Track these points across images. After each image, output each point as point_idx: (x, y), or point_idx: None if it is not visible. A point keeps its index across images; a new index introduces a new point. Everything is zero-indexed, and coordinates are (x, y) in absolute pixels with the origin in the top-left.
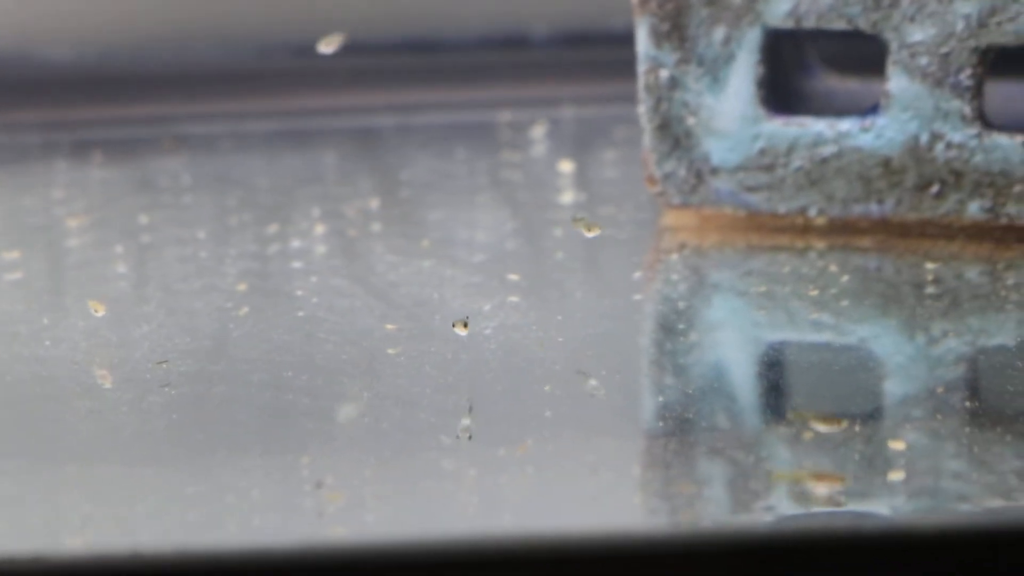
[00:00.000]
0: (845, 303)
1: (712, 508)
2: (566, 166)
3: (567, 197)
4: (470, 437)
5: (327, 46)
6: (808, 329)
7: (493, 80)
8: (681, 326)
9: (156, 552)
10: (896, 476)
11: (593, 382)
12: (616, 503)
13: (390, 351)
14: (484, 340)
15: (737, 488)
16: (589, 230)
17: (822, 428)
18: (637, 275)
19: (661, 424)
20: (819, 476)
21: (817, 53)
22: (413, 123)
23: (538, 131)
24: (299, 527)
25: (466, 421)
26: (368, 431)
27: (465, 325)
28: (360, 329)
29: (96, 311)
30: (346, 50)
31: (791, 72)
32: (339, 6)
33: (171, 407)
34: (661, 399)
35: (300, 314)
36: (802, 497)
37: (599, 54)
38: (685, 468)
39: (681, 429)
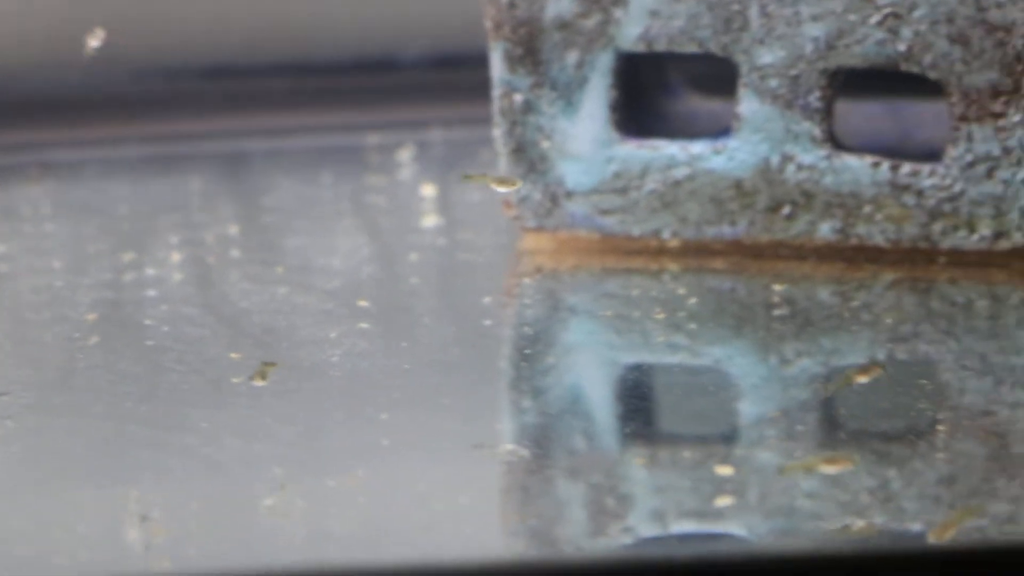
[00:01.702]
0: (699, 325)
1: (564, 532)
2: (429, 190)
3: (428, 221)
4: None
5: (94, 40)
6: (662, 351)
7: (362, 103)
8: (528, 351)
9: None
10: (751, 495)
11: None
12: (445, 532)
13: (234, 380)
14: (329, 368)
15: (586, 512)
16: (501, 184)
17: (830, 470)
18: (488, 300)
19: (506, 450)
20: (830, 460)
21: (681, 74)
22: (282, 147)
23: (405, 154)
24: (124, 562)
25: (269, 501)
26: (203, 462)
27: (264, 376)
28: (206, 358)
29: None
30: (216, 74)
31: (653, 94)
32: (208, 29)
33: (9, 440)
34: (503, 425)
35: (149, 343)
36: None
37: (468, 76)
38: (527, 494)
39: (528, 454)
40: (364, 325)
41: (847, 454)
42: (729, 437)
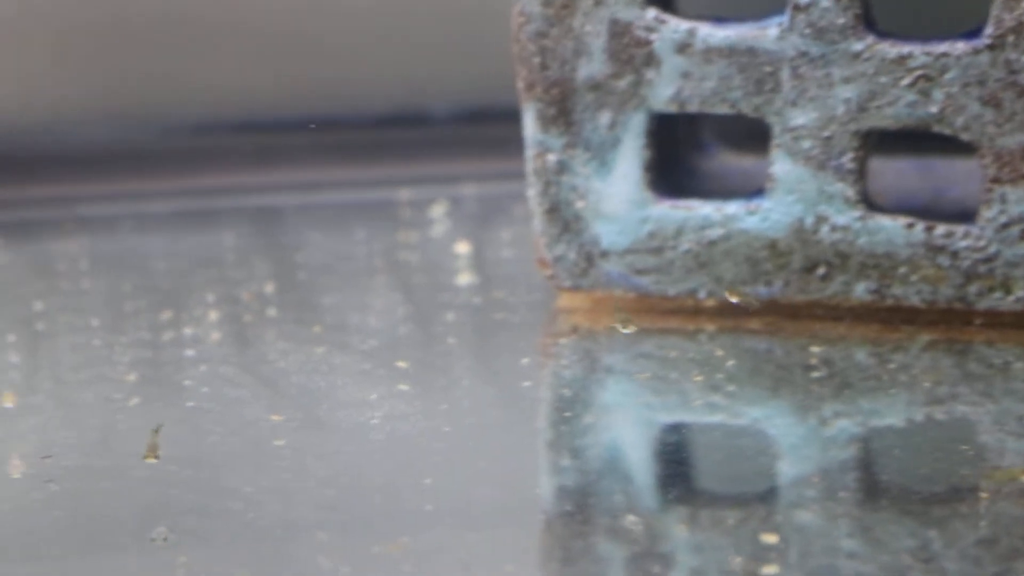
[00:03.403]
0: (736, 385)
1: None
2: (462, 247)
3: (462, 279)
4: (165, 539)
5: None
6: (700, 411)
7: (394, 157)
8: (568, 413)
9: None
10: (789, 558)
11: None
12: None
13: (276, 443)
14: (370, 430)
15: (638, 568)
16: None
17: None
18: (526, 361)
19: (542, 516)
20: None
21: (713, 131)
22: (313, 202)
23: (437, 210)
24: None
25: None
26: (247, 527)
27: (157, 456)
28: (247, 420)
29: (8, 402)
30: (248, 128)
31: (686, 151)
32: (240, 84)
33: (54, 504)
34: (540, 490)
35: (189, 405)
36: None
37: (500, 131)
38: (568, 560)
39: (563, 520)
40: (403, 386)
41: None
42: (768, 498)
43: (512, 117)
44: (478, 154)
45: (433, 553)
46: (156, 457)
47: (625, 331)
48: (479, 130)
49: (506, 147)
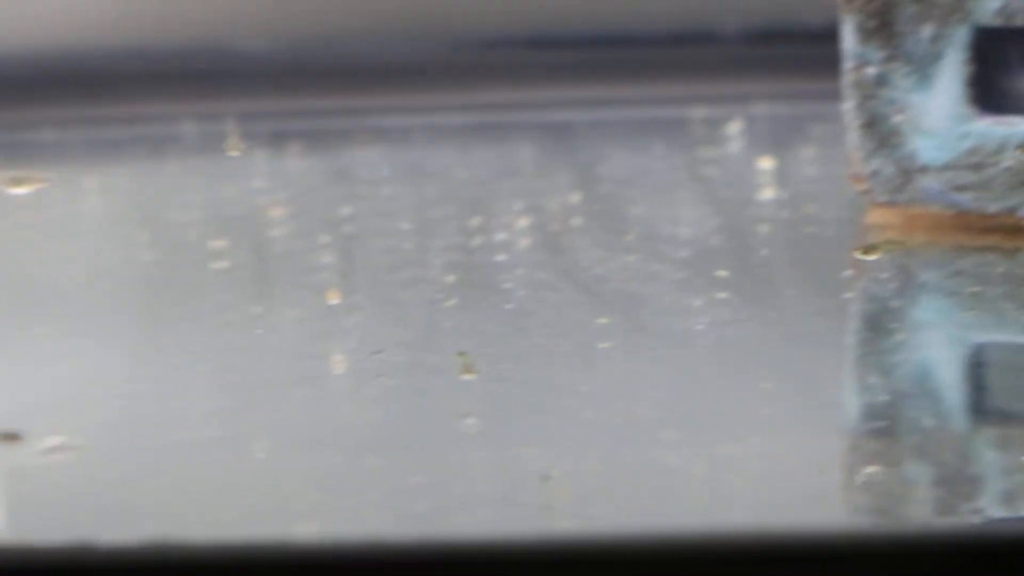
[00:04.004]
0: None
1: (920, 509)
2: (766, 163)
3: (768, 194)
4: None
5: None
6: (1018, 330)
7: (685, 76)
8: (891, 325)
9: (394, 541)
10: None
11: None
12: (840, 502)
13: (603, 345)
14: (696, 336)
15: (946, 490)
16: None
17: None
18: (842, 274)
19: (874, 424)
20: None
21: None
22: (606, 118)
23: (733, 127)
24: (527, 520)
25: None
26: (589, 426)
27: (473, 371)
28: (571, 323)
29: (330, 299)
30: (538, 44)
31: (995, 70)
32: (530, 0)
33: (388, 397)
34: (873, 398)
35: (509, 307)
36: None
37: (791, 50)
38: (896, 468)
39: (891, 429)
40: (724, 295)
41: None
42: None
43: (803, 37)
44: (770, 74)
45: (782, 454)
46: (473, 372)
47: (868, 257)
48: (770, 49)
49: (798, 67)
